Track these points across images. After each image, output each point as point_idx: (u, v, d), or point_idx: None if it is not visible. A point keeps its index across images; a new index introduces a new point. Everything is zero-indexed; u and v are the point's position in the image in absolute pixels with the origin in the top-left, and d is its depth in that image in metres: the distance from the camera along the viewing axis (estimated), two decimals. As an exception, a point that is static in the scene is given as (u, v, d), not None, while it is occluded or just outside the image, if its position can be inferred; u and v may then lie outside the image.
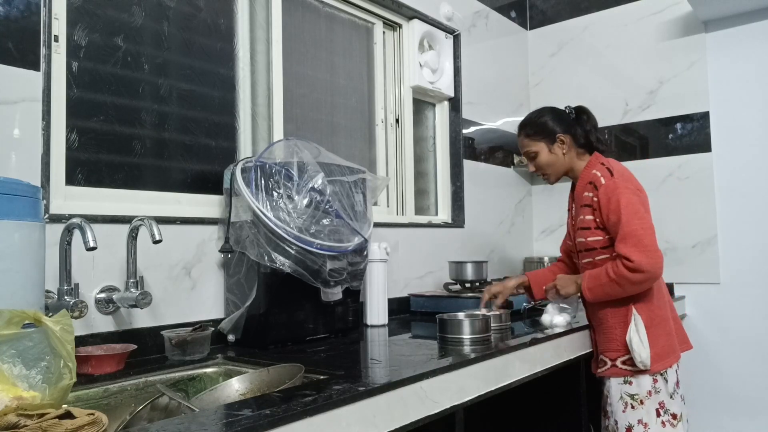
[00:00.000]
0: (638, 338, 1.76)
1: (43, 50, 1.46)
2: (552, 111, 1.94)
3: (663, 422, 1.78)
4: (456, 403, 1.37)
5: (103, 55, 1.67)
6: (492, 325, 1.80)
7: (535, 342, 1.72)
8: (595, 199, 1.79)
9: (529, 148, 1.92)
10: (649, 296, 1.80)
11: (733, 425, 2.74)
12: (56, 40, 1.54)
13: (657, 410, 1.78)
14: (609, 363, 1.83)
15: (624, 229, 1.71)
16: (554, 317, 1.97)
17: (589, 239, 1.83)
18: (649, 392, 1.78)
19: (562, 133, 1.89)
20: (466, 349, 1.59)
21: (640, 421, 1.78)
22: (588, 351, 1.99)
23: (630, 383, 1.80)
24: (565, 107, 1.95)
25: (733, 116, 2.85)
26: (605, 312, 1.84)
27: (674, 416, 1.79)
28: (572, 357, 1.91)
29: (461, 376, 1.40)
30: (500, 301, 2.02)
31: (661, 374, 1.79)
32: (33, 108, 1.44)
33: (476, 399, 1.44)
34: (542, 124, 1.91)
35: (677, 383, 1.83)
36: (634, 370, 1.78)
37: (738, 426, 2.73)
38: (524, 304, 2.30)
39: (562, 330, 1.89)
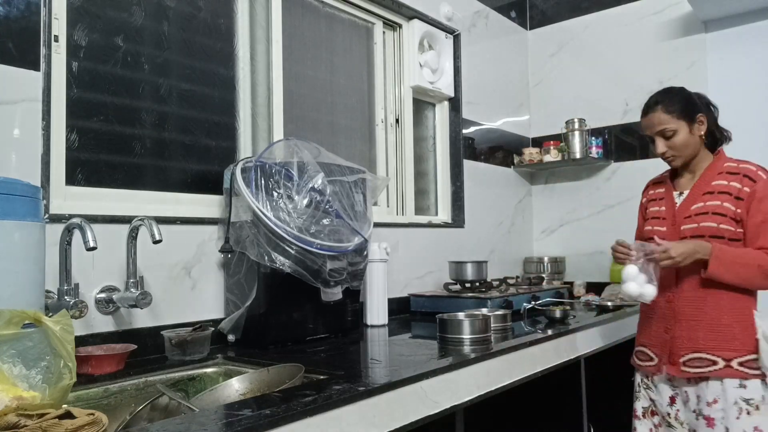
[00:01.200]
0: (765, 338, 1.66)
1: (43, 50, 1.46)
2: (685, 91, 1.83)
3: None
4: (456, 403, 1.37)
5: (103, 55, 1.67)
6: (492, 325, 1.80)
7: (535, 342, 1.72)
8: (747, 189, 1.71)
9: (667, 126, 1.76)
10: (756, 301, 1.74)
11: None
12: (56, 40, 1.54)
13: None
14: (722, 363, 1.68)
15: None
16: (644, 286, 1.69)
17: (721, 226, 1.72)
18: (764, 397, 1.66)
19: (701, 113, 1.79)
20: (466, 349, 1.59)
21: (756, 428, 1.65)
22: (589, 351, 1.99)
23: (745, 387, 1.67)
24: (695, 93, 1.85)
25: (733, 116, 2.84)
26: (720, 307, 1.72)
27: None
28: (572, 357, 1.91)
29: (461, 376, 1.40)
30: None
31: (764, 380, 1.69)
32: (33, 108, 1.44)
33: (476, 399, 1.44)
34: (686, 99, 1.79)
35: None
36: (752, 373, 1.66)
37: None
38: (524, 304, 2.31)
39: (647, 302, 1.71)
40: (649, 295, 1.69)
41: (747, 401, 1.66)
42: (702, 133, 1.79)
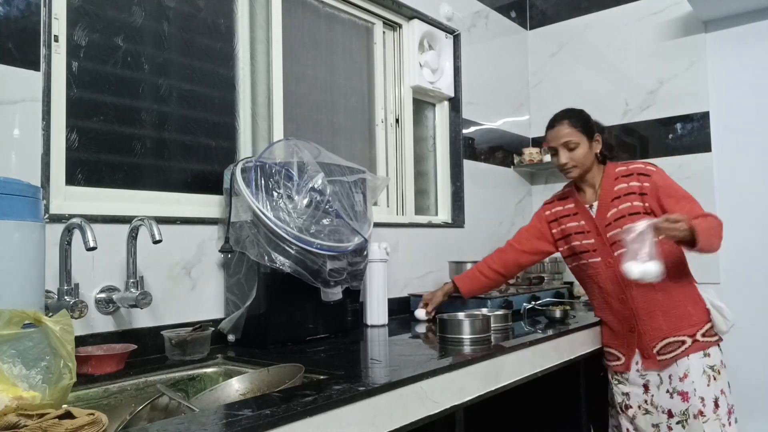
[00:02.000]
0: (718, 304, 1.86)
1: (43, 50, 1.46)
2: (585, 113, 2.04)
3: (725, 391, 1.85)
4: (456, 403, 1.37)
5: (103, 55, 1.67)
6: (492, 325, 1.80)
7: (535, 342, 1.72)
8: (646, 184, 1.90)
9: (570, 138, 1.95)
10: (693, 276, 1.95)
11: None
12: (56, 40, 1.54)
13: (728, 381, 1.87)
14: (689, 341, 1.85)
15: (693, 201, 1.85)
16: (646, 264, 1.63)
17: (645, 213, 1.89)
18: (722, 361, 1.86)
19: (599, 133, 2.02)
20: (466, 349, 1.59)
21: (722, 392, 1.83)
22: (589, 350, 1.99)
23: (708, 355, 1.85)
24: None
25: (733, 116, 2.85)
26: (669, 291, 1.88)
27: (728, 385, 1.89)
28: (572, 357, 1.91)
29: (461, 376, 1.40)
30: (430, 308, 2.17)
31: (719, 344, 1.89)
32: (33, 108, 1.44)
33: (476, 399, 1.44)
34: (587, 119, 2.01)
35: None
36: (713, 340, 1.86)
37: (738, 425, 2.72)
38: (524, 304, 2.31)
39: (654, 279, 1.64)
40: (652, 273, 1.63)
41: (711, 368, 1.84)
42: (598, 150, 2.00)
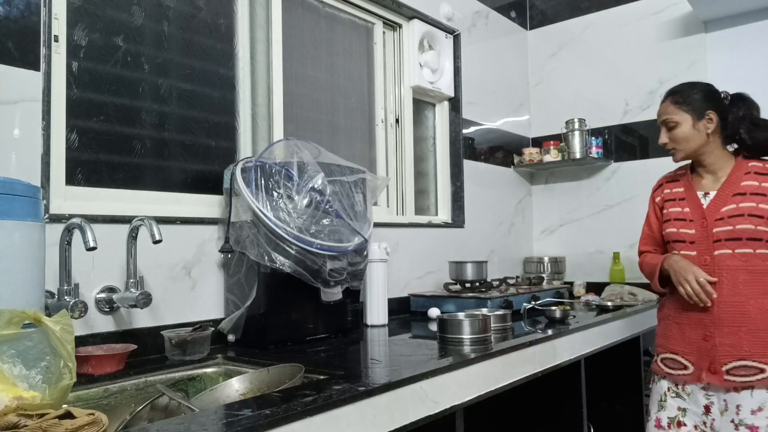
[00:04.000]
0: None
1: (43, 50, 1.46)
2: (708, 87, 1.82)
3: None
4: (456, 403, 1.37)
5: (103, 55, 1.67)
6: (492, 325, 1.80)
7: (535, 342, 1.72)
8: None
9: (671, 116, 1.77)
10: None
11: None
12: (56, 40, 1.54)
13: None
14: (758, 369, 1.63)
15: None
16: None
17: (759, 228, 1.68)
18: None
19: (712, 111, 1.76)
20: (466, 349, 1.59)
21: None
22: (589, 351, 1.99)
23: None
24: (723, 92, 1.83)
25: (733, 116, 2.84)
26: (764, 311, 1.66)
27: None
28: (572, 357, 1.91)
29: (461, 376, 1.40)
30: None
31: None
32: (33, 108, 1.44)
33: (476, 399, 1.44)
34: (702, 94, 1.78)
35: None
36: None
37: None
38: (524, 304, 2.31)
39: None
40: None
41: None
42: (709, 130, 1.75)
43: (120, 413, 1.34)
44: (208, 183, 1.89)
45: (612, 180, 3.19)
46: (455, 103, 2.94)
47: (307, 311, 1.77)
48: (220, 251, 1.76)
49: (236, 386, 1.30)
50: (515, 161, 3.32)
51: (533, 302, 2.34)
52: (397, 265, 2.44)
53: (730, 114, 1.78)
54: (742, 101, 1.81)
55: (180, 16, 1.87)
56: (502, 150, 3.26)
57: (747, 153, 1.79)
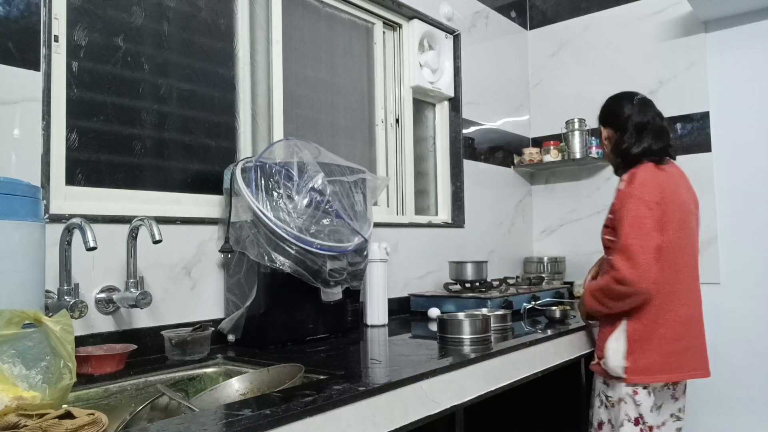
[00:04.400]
0: (615, 346, 1.80)
1: (43, 50, 1.46)
2: (617, 100, 1.98)
3: (641, 430, 1.77)
4: (456, 403, 1.37)
5: (103, 55, 1.67)
6: (492, 325, 1.80)
7: (535, 342, 1.72)
8: (615, 201, 1.85)
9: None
10: (644, 312, 1.77)
11: (733, 425, 2.74)
12: (56, 40, 1.54)
13: (636, 419, 1.77)
14: (597, 360, 1.88)
15: (621, 241, 1.73)
16: None
17: (605, 237, 1.89)
18: (622, 399, 1.78)
19: (611, 126, 1.96)
20: (466, 349, 1.59)
21: (609, 421, 1.85)
22: (589, 351, 1.99)
23: (607, 384, 1.86)
24: (635, 96, 1.99)
25: (733, 116, 2.84)
26: (604, 315, 1.88)
27: (650, 429, 1.77)
28: (572, 357, 1.91)
29: (461, 376, 1.40)
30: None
31: (645, 387, 1.77)
32: (33, 108, 1.44)
33: (476, 399, 1.44)
34: (606, 108, 2.01)
35: (677, 405, 1.85)
36: (611, 374, 1.82)
37: (738, 426, 2.73)
38: (524, 304, 2.31)
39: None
40: None
41: (607, 397, 1.86)
42: (607, 143, 1.97)
43: (120, 413, 1.34)
44: (208, 183, 1.89)
45: (612, 180, 3.17)
46: (455, 103, 2.94)
47: (307, 311, 1.77)
48: (220, 251, 1.76)
49: (236, 386, 1.30)
50: (515, 161, 3.32)
51: (533, 302, 2.34)
52: (397, 265, 2.44)
53: (631, 123, 1.96)
54: (646, 105, 2.00)
55: (180, 16, 1.87)
56: (502, 150, 3.26)
57: None
